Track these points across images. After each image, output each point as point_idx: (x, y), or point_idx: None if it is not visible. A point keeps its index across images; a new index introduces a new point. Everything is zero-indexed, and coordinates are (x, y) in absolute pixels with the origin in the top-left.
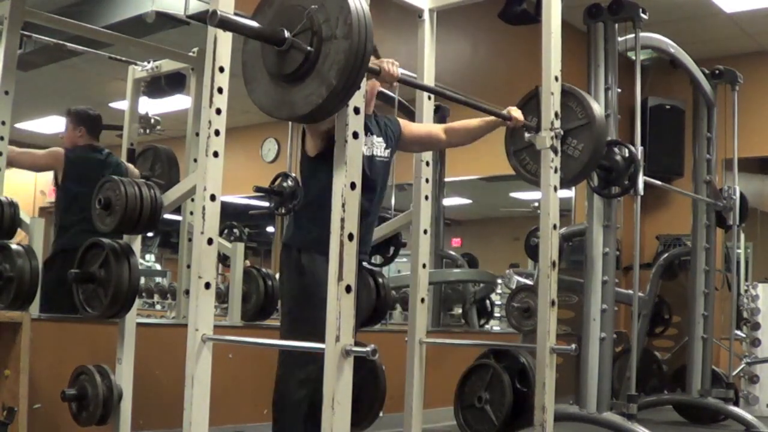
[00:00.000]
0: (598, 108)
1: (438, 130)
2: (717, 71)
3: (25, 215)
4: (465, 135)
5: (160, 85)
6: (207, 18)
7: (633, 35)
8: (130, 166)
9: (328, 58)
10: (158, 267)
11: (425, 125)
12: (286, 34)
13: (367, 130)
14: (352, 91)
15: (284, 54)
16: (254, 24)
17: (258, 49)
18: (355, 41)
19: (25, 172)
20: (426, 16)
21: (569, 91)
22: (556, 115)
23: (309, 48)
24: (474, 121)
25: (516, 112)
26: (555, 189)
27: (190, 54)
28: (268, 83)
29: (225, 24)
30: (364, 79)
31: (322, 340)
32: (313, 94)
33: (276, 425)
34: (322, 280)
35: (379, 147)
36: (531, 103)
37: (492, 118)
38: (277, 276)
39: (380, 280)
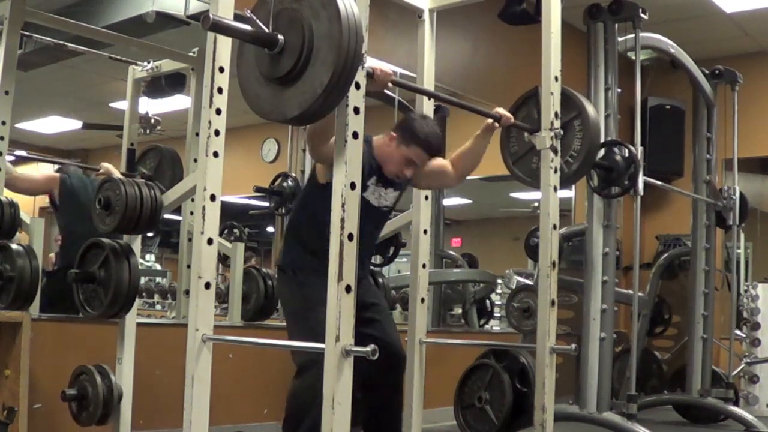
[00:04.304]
0: (591, 107)
1: (446, 163)
2: (717, 71)
3: (25, 215)
4: (468, 157)
5: (160, 85)
6: (201, 21)
7: (633, 35)
8: None
9: (319, 60)
10: (158, 267)
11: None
12: (279, 37)
13: (390, 184)
14: (343, 92)
15: (277, 57)
16: (247, 27)
17: (252, 51)
18: (345, 43)
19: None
20: (426, 16)
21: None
22: (555, 115)
23: (300, 51)
24: (468, 143)
25: (504, 112)
26: (555, 189)
27: (190, 54)
28: (262, 86)
29: (217, 27)
30: (364, 80)
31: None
32: (305, 96)
33: (299, 427)
34: (321, 299)
35: (388, 197)
36: (528, 102)
37: (480, 128)
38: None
39: (380, 280)
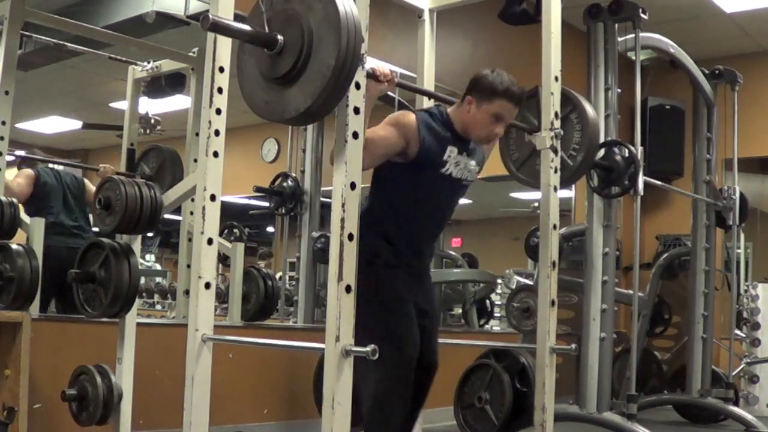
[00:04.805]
0: (591, 108)
1: None
2: (717, 71)
3: (25, 215)
4: None
5: (160, 85)
6: (200, 22)
7: (633, 35)
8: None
9: (318, 59)
10: (158, 267)
11: None
12: (278, 37)
13: (471, 154)
14: (342, 92)
15: (276, 57)
16: (247, 28)
17: (252, 52)
18: (344, 42)
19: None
20: (426, 16)
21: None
22: (556, 115)
23: (300, 50)
24: None
25: None
26: (555, 189)
27: (190, 54)
28: (262, 86)
29: (217, 28)
30: (364, 80)
31: (392, 345)
32: (305, 95)
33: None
34: (394, 279)
35: (471, 172)
36: (528, 102)
37: None
38: (278, 276)
39: None
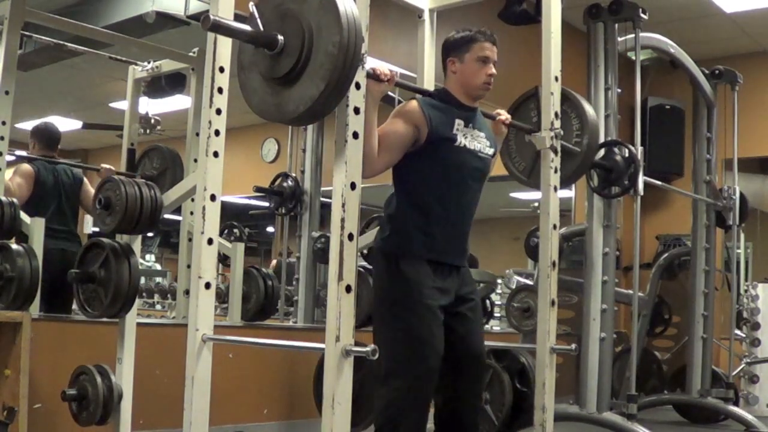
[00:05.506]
0: (590, 109)
1: None
2: (717, 71)
3: (25, 215)
4: None
5: (160, 85)
6: (201, 22)
7: (633, 35)
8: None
9: (319, 59)
10: (158, 267)
11: None
12: (279, 37)
13: (478, 127)
14: (343, 91)
15: (276, 57)
16: (247, 28)
17: (252, 65)
18: (344, 42)
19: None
20: (426, 16)
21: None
22: (556, 115)
23: (300, 51)
24: None
25: (503, 113)
26: (555, 189)
27: (190, 54)
28: (262, 86)
29: (218, 28)
30: (364, 80)
31: (413, 353)
32: (305, 95)
33: None
34: (422, 286)
35: (482, 142)
36: (526, 103)
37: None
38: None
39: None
